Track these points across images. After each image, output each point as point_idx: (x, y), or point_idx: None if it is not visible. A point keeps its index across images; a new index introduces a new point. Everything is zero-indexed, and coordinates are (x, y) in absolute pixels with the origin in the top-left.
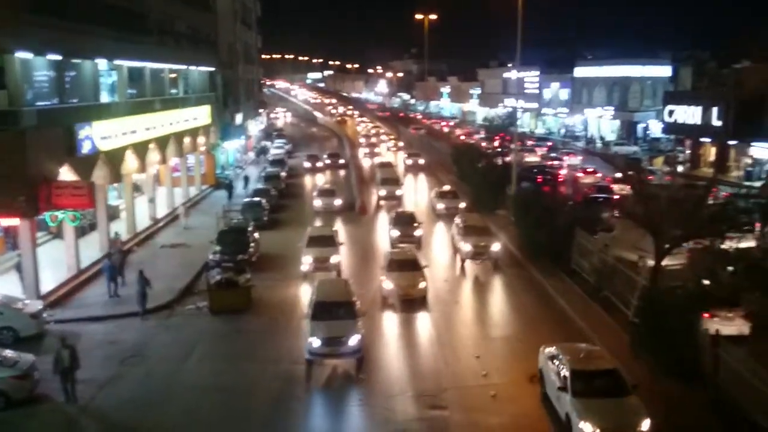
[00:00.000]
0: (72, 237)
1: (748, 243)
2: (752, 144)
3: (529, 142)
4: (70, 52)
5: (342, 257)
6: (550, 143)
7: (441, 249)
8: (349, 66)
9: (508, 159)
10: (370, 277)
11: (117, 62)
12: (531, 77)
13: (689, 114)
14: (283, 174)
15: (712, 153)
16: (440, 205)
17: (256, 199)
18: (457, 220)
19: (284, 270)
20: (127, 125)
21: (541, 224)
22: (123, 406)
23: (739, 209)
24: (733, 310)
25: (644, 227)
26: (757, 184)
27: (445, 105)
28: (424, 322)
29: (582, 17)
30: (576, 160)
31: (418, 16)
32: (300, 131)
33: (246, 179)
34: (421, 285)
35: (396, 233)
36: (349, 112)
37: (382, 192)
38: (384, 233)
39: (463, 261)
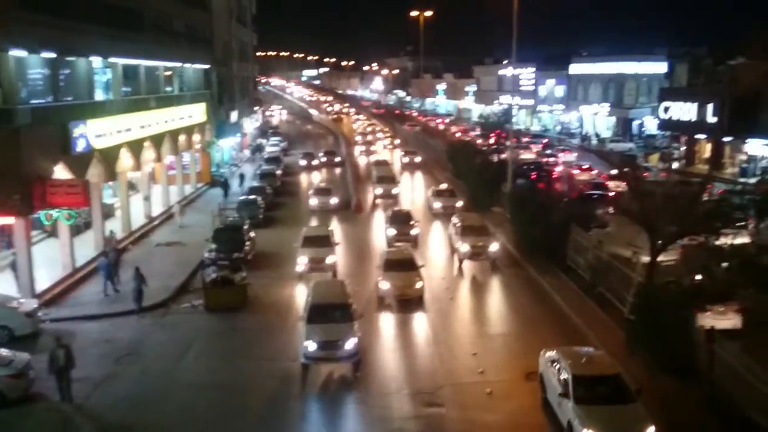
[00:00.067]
0: (67, 235)
1: (743, 239)
2: (747, 141)
3: (525, 139)
4: (64, 49)
5: (338, 257)
6: (545, 140)
7: (438, 248)
8: (344, 63)
9: (503, 156)
10: (367, 276)
11: (112, 60)
12: (526, 74)
13: (684, 111)
14: (279, 172)
15: (707, 150)
16: (437, 204)
17: (252, 197)
18: (455, 219)
19: (280, 268)
20: (122, 123)
21: (536, 221)
22: (118, 404)
23: (734, 206)
24: (726, 305)
25: (639, 224)
26: (752, 180)
27: (440, 102)
28: (420, 321)
29: (577, 14)
30: (571, 156)
31: (414, 13)
32: (296, 129)
33: (241, 177)
34: (418, 285)
35: (392, 232)
36: (345, 110)
37: (379, 190)
38: (380, 232)
39: (460, 261)
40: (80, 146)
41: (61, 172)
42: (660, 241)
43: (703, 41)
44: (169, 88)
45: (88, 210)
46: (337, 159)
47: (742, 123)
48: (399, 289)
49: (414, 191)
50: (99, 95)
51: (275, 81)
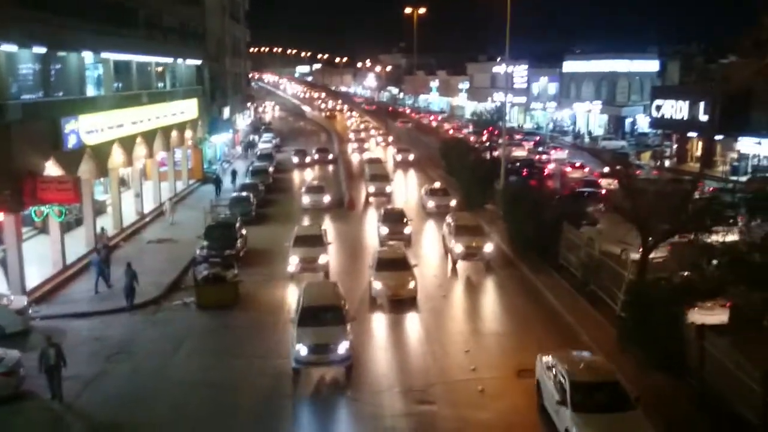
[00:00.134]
0: (58, 232)
1: (734, 237)
2: (738, 139)
3: (517, 137)
4: (55, 44)
5: (330, 257)
6: (537, 138)
7: (431, 247)
8: (337, 60)
9: (496, 153)
10: (359, 275)
11: (103, 55)
12: (519, 71)
13: (676, 109)
14: (271, 169)
15: (698, 148)
16: (431, 203)
17: (244, 194)
18: (449, 219)
19: (272, 266)
20: (114, 119)
21: (528, 219)
22: (109, 402)
23: (725, 204)
24: (713, 300)
25: (631, 222)
26: (743, 178)
27: (433, 99)
28: (413, 321)
29: (570, 12)
30: (562, 154)
31: (408, 10)
32: (288, 125)
33: (233, 174)
34: (411, 285)
35: (385, 230)
36: (339, 107)
37: (371, 188)
38: (373, 230)
39: (454, 262)
40: (71, 142)
41: (52, 168)
42: (651, 239)
43: (695, 40)
44: (161, 84)
45: (79, 206)
46: (330, 156)
47: (733, 121)
48: (392, 289)
49: (407, 189)
50: (90, 91)
51: (268, 77)
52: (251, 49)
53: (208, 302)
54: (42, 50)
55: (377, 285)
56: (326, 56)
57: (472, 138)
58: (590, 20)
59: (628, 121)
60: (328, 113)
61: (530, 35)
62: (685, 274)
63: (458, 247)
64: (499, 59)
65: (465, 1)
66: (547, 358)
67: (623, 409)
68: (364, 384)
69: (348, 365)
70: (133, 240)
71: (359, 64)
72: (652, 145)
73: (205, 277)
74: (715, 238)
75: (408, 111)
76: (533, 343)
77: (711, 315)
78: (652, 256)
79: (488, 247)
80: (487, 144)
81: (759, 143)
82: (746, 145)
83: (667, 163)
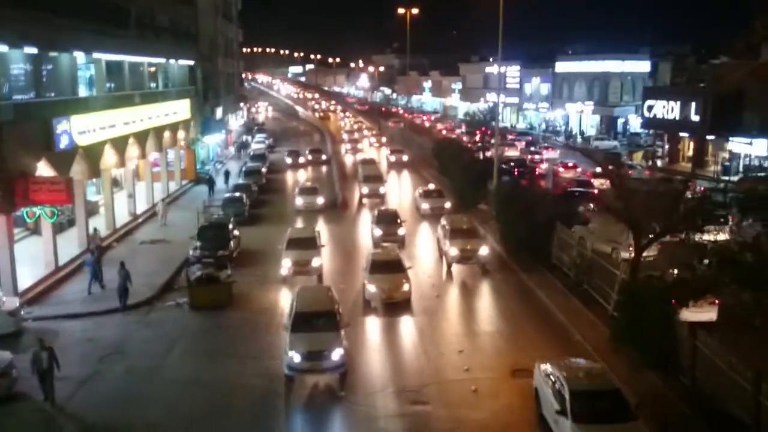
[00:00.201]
0: (50, 233)
1: (725, 236)
2: (730, 139)
3: (510, 137)
4: (47, 45)
5: (323, 260)
6: (529, 138)
7: (425, 248)
8: (330, 60)
9: (489, 154)
10: (353, 277)
11: (95, 55)
12: (512, 72)
13: (668, 109)
14: (264, 169)
15: (690, 148)
16: (425, 205)
17: (237, 194)
18: (444, 221)
19: (265, 267)
20: (106, 119)
21: (521, 218)
22: (102, 403)
23: (717, 203)
24: (702, 298)
25: (623, 222)
26: (735, 178)
27: (426, 99)
28: (407, 323)
29: (562, 12)
30: (554, 154)
31: (400, 11)
32: (282, 126)
33: (226, 174)
34: (405, 287)
35: (379, 232)
36: (332, 108)
37: (365, 189)
38: (367, 232)
39: (449, 265)
40: (63, 143)
41: (44, 168)
42: (644, 239)
43: (686, 40)
44: (153, 84)
45: (71, 207)
46: (324, 157)
47: (724, 121)
48: (386, 292)
49: (401, 190)
50: (82, 91)
51: (261, 77)
52: (244, 50)
53: (202, 303)
54: (33, 50)
55: (371, 288)
56: (319, 56)
57: (464, 138)
58: (582, 21)
59: (620, 121)
60: (321, 114)
61: (523, 36)
62: (675, 272)
63: (453, 251)
64: (491, 60)
65: (458, 2)
66: (546, 366)
67: (624, 419)
68: (357, 384)
69: (342, 372)
70: (126, 241)
71: (352, 65)
72: (644, 145)
73: (198, 277)
74: (707, 237)
75: (401, 111)
76: (527, 343)
77: (699, 312)
78: (644, 254)
79: (483, 250)
80: (480, 144)
81: (750, 143)
82: (737, 145)
83: (658, 163)
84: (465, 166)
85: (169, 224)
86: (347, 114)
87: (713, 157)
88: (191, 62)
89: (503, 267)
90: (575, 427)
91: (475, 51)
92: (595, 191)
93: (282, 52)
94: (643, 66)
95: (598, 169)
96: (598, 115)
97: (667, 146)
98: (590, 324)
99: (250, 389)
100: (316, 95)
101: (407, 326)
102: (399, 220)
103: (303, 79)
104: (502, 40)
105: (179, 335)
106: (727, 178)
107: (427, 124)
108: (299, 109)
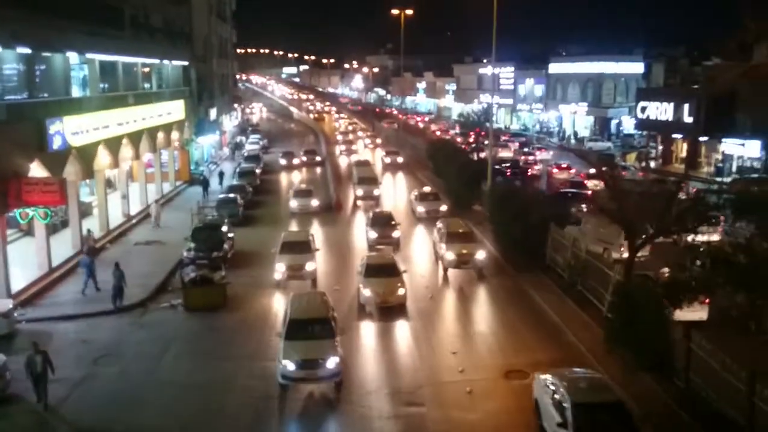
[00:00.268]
0: (43, 234)
1: (718, 237)
2: (723, 140)
3: (503, 138)
4: (40, 45)
5: (318, 264)
6: (523, 139)
7: (421, 251)
8: (325, 61)
9: (483, 154)
10: (347, 281)
11: (89, 56)
12: (506, 73)
13: (661, 110)
14: (258, 170)
15: (683, 149)
16: (420, 208)
17: (231, 195)
18: (439, 224)
19: (259, 268)
20: (99, 120)
21: (515, 220)
22: (96, 405)
23: (710, 205)
24: (694, 299)
25: (617, 223)
26: (728, 179)
27: (420, 100)
28: (402, 326)
29: (556, 14)
30: (547, 155)
31: (394, 12)
32: (276, 127)
33: (221, 175)
34: (400, 291)
35: (373, 235)
36: (327, 109)
37: (360, 191)
38: (361, 234)
39: (445, 269)
40: (56, 143)
41: (36, 169)
42: (637, 240)
43: (679, 42)
44: (147, 85)
45: (64, 208)
46: (318, 158)
47: (717, 123)
48: (381, 296)
49: (396, 192)
50: (76, 92)
51: (255, 78)
52: (238, 50)
53: (196, 304)
54: (26, 51)
55: (366, 292)
56: (313, 57)
57: (459, 139)
58: (576, 22)
59: (613, 122)
60: (316, 115)
61: (517, 37)
62: (666, 271)
63: (449, 255)
64: (485, 61)
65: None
66: (546, 377)
67: None
68: (352, 386)
69: (338, 381)
70: (120, 242)
71: (346, 66)
72: (637, 146)
73: (193, 279)
74: (700, 238)
75: (395, 112)
76: (521, 345)
77: (690, 311)
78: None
79: (480, 255)
80: (474, 145)
81: (743, 144)
82: (730, 146)
83: (652, 164)
84: (459, 168)
85: (163, 226)
86: (342, 115)
87: (706, 158)
88: (185, 63)
89: (497, 268)
90: None
91: (469, 52)
92: (589, 192)
93: (276, 52)
94: (637, 67)
95: (592, 170)
96: (591, 117)
97: (660, 147)
98: (584, 325)
99: (244, 391)
100: (311, 96)
101: (402, 329)
102: (394, 223)
103: (297, 80)
104: (496, 41)
105: (173, 337)
106: (720, 179)
107: (421, 125)
108: (294, 110)
